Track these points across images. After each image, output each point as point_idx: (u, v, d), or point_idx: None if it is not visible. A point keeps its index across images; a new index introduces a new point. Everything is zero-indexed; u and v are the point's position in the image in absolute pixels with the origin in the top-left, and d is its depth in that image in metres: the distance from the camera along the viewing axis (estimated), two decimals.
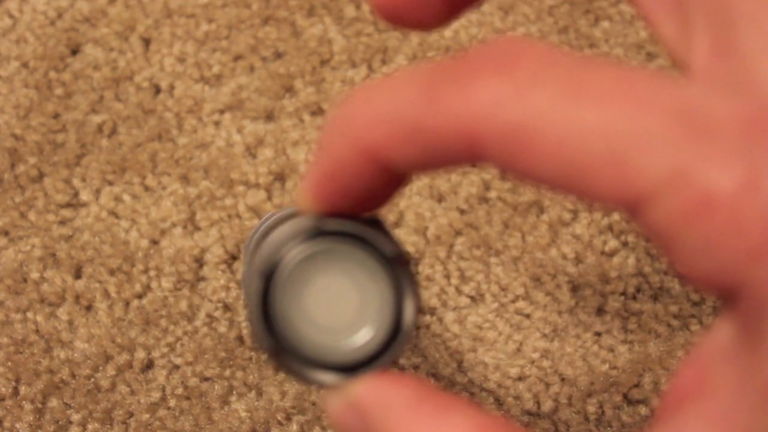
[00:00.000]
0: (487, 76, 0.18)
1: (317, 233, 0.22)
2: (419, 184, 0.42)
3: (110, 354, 0.38)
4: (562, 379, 0.38)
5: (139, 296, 0.40)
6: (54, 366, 0.38)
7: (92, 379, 0.38)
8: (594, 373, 0.38)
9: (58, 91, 0.45)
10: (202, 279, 0.40)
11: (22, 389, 0.38)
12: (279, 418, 0.37)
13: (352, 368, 0.22)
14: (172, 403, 0.38)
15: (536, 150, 0.18)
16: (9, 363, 0.38)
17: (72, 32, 0.46)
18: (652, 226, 0.18)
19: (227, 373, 0.38)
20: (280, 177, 0.42)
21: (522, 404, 0.37)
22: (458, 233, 0.41)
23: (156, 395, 0.38)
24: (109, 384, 0.38)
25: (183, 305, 0.39)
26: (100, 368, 0.38)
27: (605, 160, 0.18)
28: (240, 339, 0.39)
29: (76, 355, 0.39)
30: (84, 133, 0.44)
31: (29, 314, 0.39)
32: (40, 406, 0.38)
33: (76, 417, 0.37)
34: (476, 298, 0.40)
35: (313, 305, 0.22)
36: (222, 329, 0.39)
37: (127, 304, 0.40)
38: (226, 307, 0.40)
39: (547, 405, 0.37)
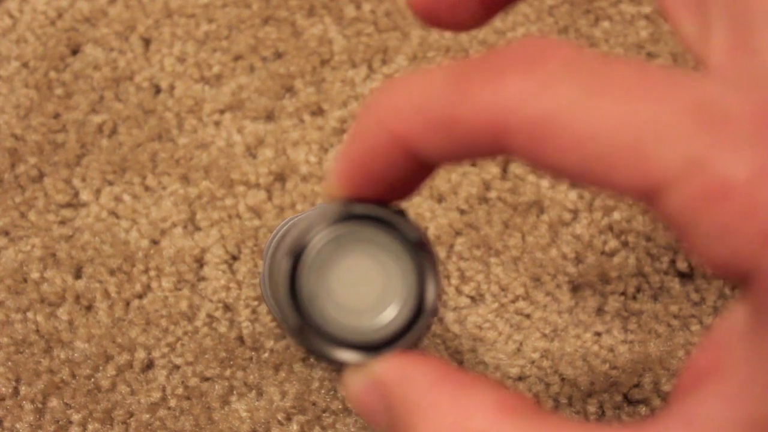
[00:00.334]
0: (514, 72, 0.19)
1: (344, 217, 0.22)
2: None
3: (110, 354, 0.38)
4: (562, 379, 0.38)
5: (140, 296, 0.40)
6: (54, 366, 0.38)
7: (92, 379, 0.38)
8: (594, 373, 0.38)
9: (58, 91, 0.45)
10: (203, 279, 0.40)
11: (23, 389, 0.38)
12: (279, 418, 0.37)
13: (374, 348, 0.22)
14: (172, 403, 0.38)
15: (559, 141, 0.19)
16: (9, 363, 0.38)
17: (72, 32, 0.46)
18: (669, 213, 0.19)
19: (227, 373, 0.38)
20: (281, 177, 0.42)
21: None
22: (458, 233, 0.41)
23: (156, 395, 0.38)
24: (110, 384, 0.38)
25: (183, 305, 0.39)
26: (101, 368, 0.38)
27: (624, 150, 0.18)
28: (240, 339, 0.39)
29: (76, 355, 0.39)
30: (84, 133, 0.44)
31: (29, 314, 0.39)
32: (40, 406, 0.38)
33: (76, 417, 0.37)
34: (476, 299, 0.40)
35: (338, 286, 0.23)
36: (222, 329, 0.39)
37: (128, 304, 0.40)
38: (227, 307, 0.40)
39: (547, 405, 0.37)
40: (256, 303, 0.40)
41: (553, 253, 0.40)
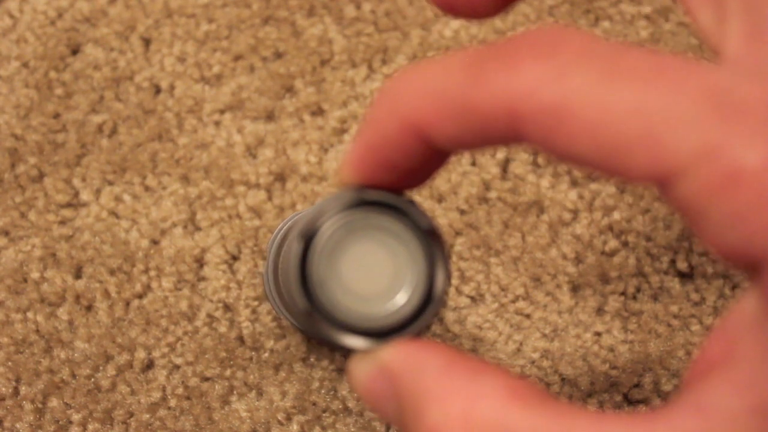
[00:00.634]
0: (530, 59, 0.19)
1: (356, 203, 0.23)
2: None
3: (110, 354, 0.38)
4: (562, 379, 0.38)
5: (140, 296, 0.40)
6: (54, 366, 0.38)
7: (92, 379, 0.38)
8: (594, 373, 0.38)
9: (59, 91, 0.45)
10: (203, 279, 0.40)
11: (23, 389, 0.38)
12: (279, 418, 0.37)
13: (382, 335, 0.22)
14: (172, 403, 0.38)
15: (572, 128, 0.19)
16: (9, 363, 0.38)
17: (72, 32, 0.46)
18: (681, 200, 0.19)
19: (227, 373, 0.38)
20: (281, 177, 0.42)
21: None
22: (458, 233, 0.41)
23: (156, 395, 0.38)
24: (110, 384, 0.38)
25: (183, 305, 0.39)
26: (101, 368, 0.38)
27: (638, 137, 0.19)
28: (240, 339, 0.39)
29: (76, 355, 0.39)
30: (84, 133, 0.44)
31: (29, 314, 0.39)
32: (40, 406, 0.38)
33: (76, 417, 0.37)
34: (476, 299, 0.40)
35: (348, 271, 0.23)
36: (222, 329, 0.39)
37: (128, 304, 0.40)
38: (227, 307, 0.40)
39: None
40: (256, 303, 0.40)
41: (553, 253, 0.40)
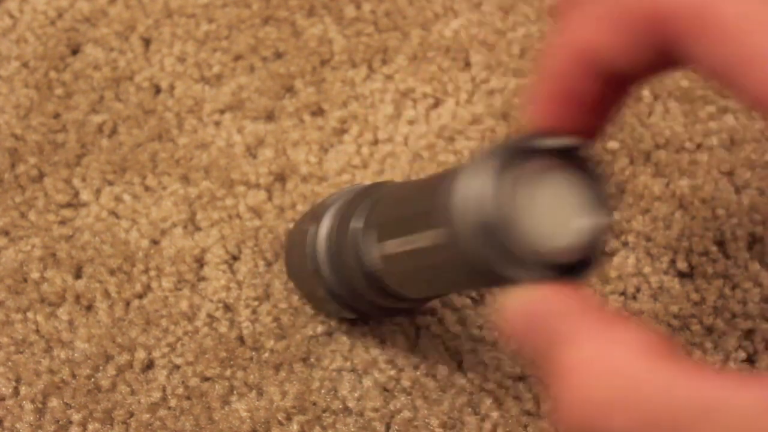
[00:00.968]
0: None
1: (536, 149, 0.24)
2: None
3: (111, 354, 0.38)
4: None
5: (140, 296, 0.40)
6: (54, 366, 0.38)
7: (93, 379, 0.38)
8: None
9: (59, 91, 0.45)
10: (203, 279, 0.40)
11: (23, 389, 0.38)
12: (279, 418, 0.37)
13: (546, 273, 0.23)
14: (172, 403, 0.38)
15: (715, 31, 0.20)
16: (9, 363, 0.38)
17: (72, 32, 0.46)
18: None
19: (228, 373, 0.38)
20: (281, 177, 0.42)
21: (522, 404, 0.37)
22: None
23: (156, 395, 0.38)
24: (110, 384, 0.38)
25: (183, 305, 0.39)
26: (101, 368, 0.38)
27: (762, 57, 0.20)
28: (240, 339, 0.39)
29: (76, 355, 0.39)
30: (84, 133, 0.44)
31: (29, 314, 0.39)
32: (40, 406, 0.38)
33: (76, 417, 0.37)
34: (477, 299, 0.40)
35: (530, 208, 0.24)
36: (222, 329, 0.39)
37: (128, 304, 0.40)
38: (227, 307, 0.40)
39: (547, 405, 0.37)
40: (256, 303, 0.40)
41: None
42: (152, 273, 0.40)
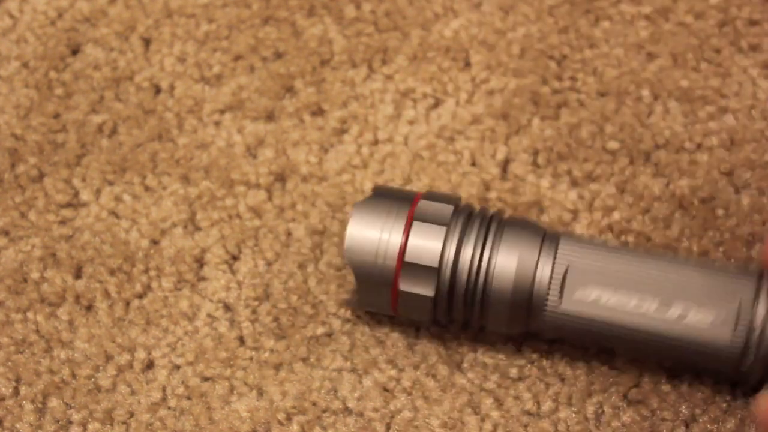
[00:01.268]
0: None
1: None
2: (419, 185, 0.42)
3: (111, 354, 0.38)
4: (562, 380, 0.38)
5: (140, 296, 0.40)
6: (54, 366, 0.38)
7: (93, 379, 0.38)
8: (594, 373, 0.38)
9: (59, 91, 0.45)
10: (203, 279, 0.40)
11: (23, 389, 0.38)
12: (279, 419, 0.37)
13: None
14: (172, 403, 0.38)
15: None
16: (9, 363, 0.38)
17: (72, 32, 0.46)
18: None
19: (228, 373, 0.38)
20: (281, 177, 0.42)
21: (522, 404, 0.37)
22: None
23: (157, 395, 0.38)
24: (110, 384, 0.38)
25: (183, 305, 0.39)
26: (101, 368, 0.38)
27: None
28: (240, 339, 0.39)
29: (76, 355, 0.39)
30: (84, 133, 0.44)
31: (29, 314, 0.39)
32: (40, 406, 0.38)
33: (76, 417, 0.37)
34: None
35: None
36: (222, 329, 0.39)
37: (128, 304, 0.40)
38: (227, 307, 0.40)
39: (547, 405, 0.37)
40: (256, 303, 0.40)
41: None
42: (152, 273, 0.40)
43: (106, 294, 0.40)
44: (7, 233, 0.41)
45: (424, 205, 0.36)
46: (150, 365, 0.38)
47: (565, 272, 0.34)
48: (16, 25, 0.47)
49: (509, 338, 0.39)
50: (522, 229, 0.35)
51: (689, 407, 0.37)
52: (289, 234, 0.41)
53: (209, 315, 0.39)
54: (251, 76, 0.45)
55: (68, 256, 0.41)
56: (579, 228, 0.41)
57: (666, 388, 0.37)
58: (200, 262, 0.41)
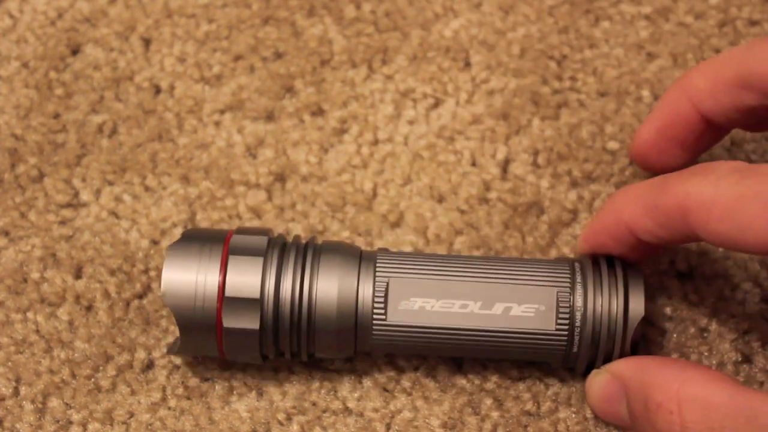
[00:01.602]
0: (696, 175, 0.31)
1: None
2: (419, 185, 0.42)
3: (111, 354, 0.39)
4: (562, 380, 0.38)
5: (140, 296, 0.40)
6: (54, 366, 0.38)
7: (93, 379, 0.38)
8: None
9: (59, 91, 0.45)
10: None
11: (23, 389, 0.38)
12: (279, 419, 0.37)
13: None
14: (172, 403, 0.38)
15: (721, 213, 0.29)
16: (9, 363, 0.38)
17: (72, 32, 0.46)
18: None
19: (227, 373, 0.38)
20: (281, 177, 0.42)
21: (522, 404, 0.37)
22: (458, 233, 0.41)
23: (156, 395, 0.38)
24: (110, 384, 0.38)
25: None
26: (101, 368, 0.38)
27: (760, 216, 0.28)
28: None
29: (76, 355, 0.39)
30: (84, 133, 0.44)
31: (29, 314, 0.39)
32: (40, 406, 0.38)
33: (76, 417, 0.37)
34: None
35: None
36: None
37: (128, 304, 0.40)
38: None
39: (547, 405, 0.37)
40: None
41: (553, 254, 0.40)
42: (152, 273, 0.40)
43: (106, 294, 0.40)
44: (7, 233, 0.41)
45: (237, 239, 0.35)
46: (150, 365, 0.38)
47: (387, 287, 0.35)
48: (16, 25, 0.47)
49: None
50: (338, 252, 0.36)
51: None
52: (288, 234, 0.41)
53: None
54: (251, 76, 0.45)
55: (68, 256, 0.41)
56: (579, 228, 0.41)
57: None
58: None
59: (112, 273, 0.40)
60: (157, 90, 0.45)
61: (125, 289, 0.40)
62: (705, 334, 0.39)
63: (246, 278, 0.35)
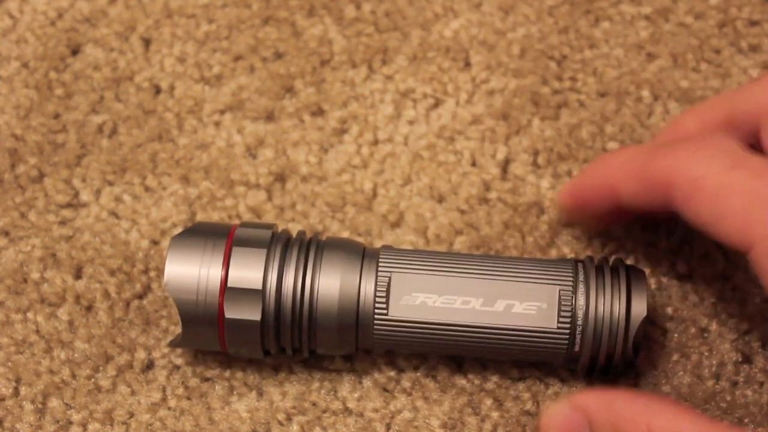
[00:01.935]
0: (685, 150, 0.32)
1: None
2: (419, 185, 0.42)
3: (111, 354, 0.39)
4: (562, 380, 0.38)
5: (140, 296, 0.40)
6: (54, 366, 0.38)
7: (93, 380, 0.38)
8: None
9: (59, 92, 0.45)
10: None
11: (23, 389, 0.38)
12: (279, 419, 0.37)
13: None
14: (172, 403, 0.38)
15: (702, 195, 0.30)
16: (9, 363, 0.38)
17: (72, 32, 0.46)
18: (757, 263, 0.30)
19: (227, 373, 0.38)
20: (281, 177, 0.42)
21: (522, 404, 0.37)
22: (458, 233, 0.41)
23: (156, 395, 0.38)
24: (110, 384, 0.38)
25: None
26: (101, 368, 0.38)
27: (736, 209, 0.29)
28: None
29: (76, 355, 0.39)
30: (84, 134, 0.44)
31: (29, 314, 0.39)
32: (40, 406, 0.38)
33: (76, 417, 0.37)
34: None
35: None
36: None
37: (128, 304, 0.40)
38: None
39: (547, 405, 0.37)
40: None
41: (553, 254, 0.40)
42: (152, 273, 0.40)
43: (106, 294, 0.40)
44: (7, 233, 0.41)
45: (241, 232, 0.36)
46: (150, 365, 0.38)
47: (389, 282, 0.35)
48: (16, 25, 0.47)
49: None
50: (341, 248, 0.36)
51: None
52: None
53: None
54: (251, 77, 0.45)
55: (68, 256, 0.41)
56: (579, 228, 0.41)
57: (666, 389, 0.37)
58: None
59: (112, 273, 0.40)
60: (157, 90, 0.45)
61: (125, 289, 0.40)
62: (705, 335, 0.39)
63: (248, 269, 0.35)
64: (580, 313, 0.34)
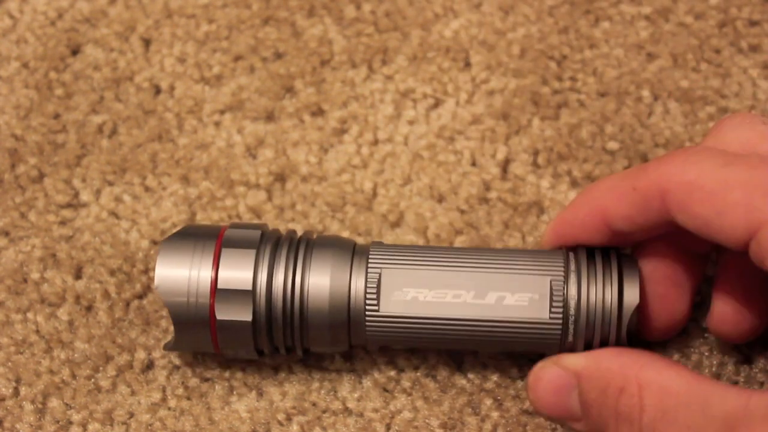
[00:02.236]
0: (676, 158, 0.31)
1: None
2: (419, 184, 0.42)
3: (110, 354, 0.39)
4: None
5: (140, 296, 0.40)
6: (54, 366, 0.38)
7: (93, 380, 0.38)
8: None
9: (59, 92, 0.45)
10: None
11: (23, 390, 0.38)
12: (279, 419, 0.37)
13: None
14: (172, 403, 0.38)
15: (700, 196, 0.30)
16: (9, 363, 0.38)
17: (72, 32, 0.46)
18: (760, 251, 0.29)
19: (227, 373, 0.38)
20: (281, 177, 0.42)
21: (522, 404, 0.37)
22: (458, 233, 0.41)
23: (156, 396, 0.38)
24: (110, 384, 0.38)
25: None
26: (101, 369, 0.38)
27: (737, 202, 0.29)
28: None
29: (76, 355, 0.39)
30: (84, 134, 0.44)
31: (29, 314, 0.39)
32: (40, 406, 0.38)
33: (76, 417, 0.37)
34: None
35: None
36: None
37: (128, 304, 0.40)
38: None
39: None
40: None
41: None
42: (152, 273, 0.40)
43: (106, 294, 0.40)
44: (7, 233, 0.41)
45: (230, 233, 0.36)
46: (150, 365, 0.38)
47: (379, 278, 0.35)
48: (16, 25, 0.47)
49: None
50: (331, 246, 0.36)
51: None
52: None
53: None
54: (251, 77, 0.45)
55: (68, 256, 0.41)
56: None
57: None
58: None
59: (112, 273, 0.40)
60: (157, 90, 0.45)
61: (125, 289, 0.40)
62: (706, 335, 0.39)
63: (238, 270, 0.35)
64: (573, 303, 0.34)
